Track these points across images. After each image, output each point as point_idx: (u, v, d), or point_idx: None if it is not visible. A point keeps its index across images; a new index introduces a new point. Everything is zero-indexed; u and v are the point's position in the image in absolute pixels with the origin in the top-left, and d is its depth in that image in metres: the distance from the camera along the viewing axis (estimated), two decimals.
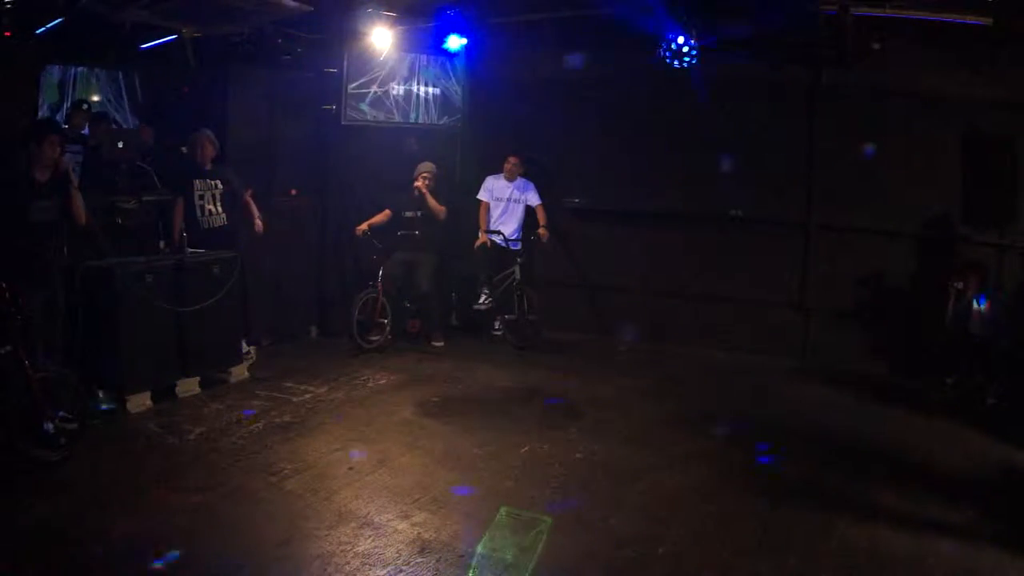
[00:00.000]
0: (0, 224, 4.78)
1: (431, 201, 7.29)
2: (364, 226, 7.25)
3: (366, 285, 7.13)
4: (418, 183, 7.30)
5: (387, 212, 7.37)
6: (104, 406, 5.26)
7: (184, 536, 3.66)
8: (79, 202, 4.99)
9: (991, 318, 6.10)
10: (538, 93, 7.90)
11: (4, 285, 4.29)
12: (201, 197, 6.34)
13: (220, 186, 6.40)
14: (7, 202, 4.80)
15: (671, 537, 3.83)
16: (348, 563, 3.50)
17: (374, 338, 7.14)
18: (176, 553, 3.50)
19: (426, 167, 7.39)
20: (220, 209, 6.42)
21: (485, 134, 8.22)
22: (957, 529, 3.96)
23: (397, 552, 3.61)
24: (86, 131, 7.25)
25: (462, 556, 3.60)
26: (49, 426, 4.35)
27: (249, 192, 6.63)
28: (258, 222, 6.60)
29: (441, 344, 7.48)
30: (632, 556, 3.66)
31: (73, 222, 5.04)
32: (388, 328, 7.23)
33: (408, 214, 7.39)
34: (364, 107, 7.80)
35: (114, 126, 7.95)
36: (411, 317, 7.66)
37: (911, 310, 6.82)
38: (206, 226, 6.36)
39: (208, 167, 6.37)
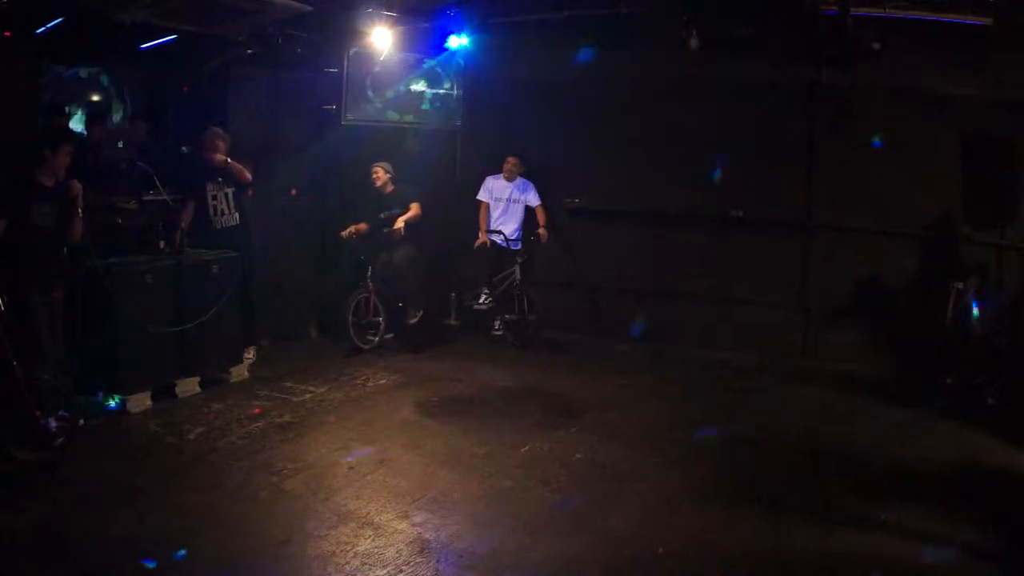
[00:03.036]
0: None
1: (407, 215, 7.25)
2: (351, 229, 7.23)
3: (356, 286, 7.13)
4: (381, 181, 7.36)
5: (364, 226, 7.30)
6: (107, 405, 5.26)
7: (184, 536, 3.66)
8: (79, 224, 4.98)
9: (991, 318, 6.09)
10: (538, 93, 7.90)
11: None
12: (214, 198, 6.35)
13: (231, 185, 6.41)
14: (9, 203, 4.79)
15: (671, 537, 3.83)
16: (348, 563, 3.50)
17: (370, 338, 7.14)
18: (176, 553, 3.51)
19: (378, 164, 7.39)
20: (232, 208, 6.43)
21: (485, 134, 8.22)
22: (956, 532, 3.95)
23: (397, 552, 3.61)
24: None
25: (462, 556, 3.60)
26: (52, 423, 4.36)
27: (248, 193, 6.61)
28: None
29: (416, 319, 7.41)
30: (632, 556, 3.66)
31: (68, 235, 5.02)
32: (383, 327, 7.22)
33: (383, 215, 7.36)
34: (364, 107, 7.79)
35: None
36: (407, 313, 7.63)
37: (911, 310, 6.81)
38: (219, 226, 6.37)
39: (222, 166, 6.35)
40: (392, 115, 7.93)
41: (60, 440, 4.41)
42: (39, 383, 4.39)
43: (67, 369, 4.93)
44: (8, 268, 4.64)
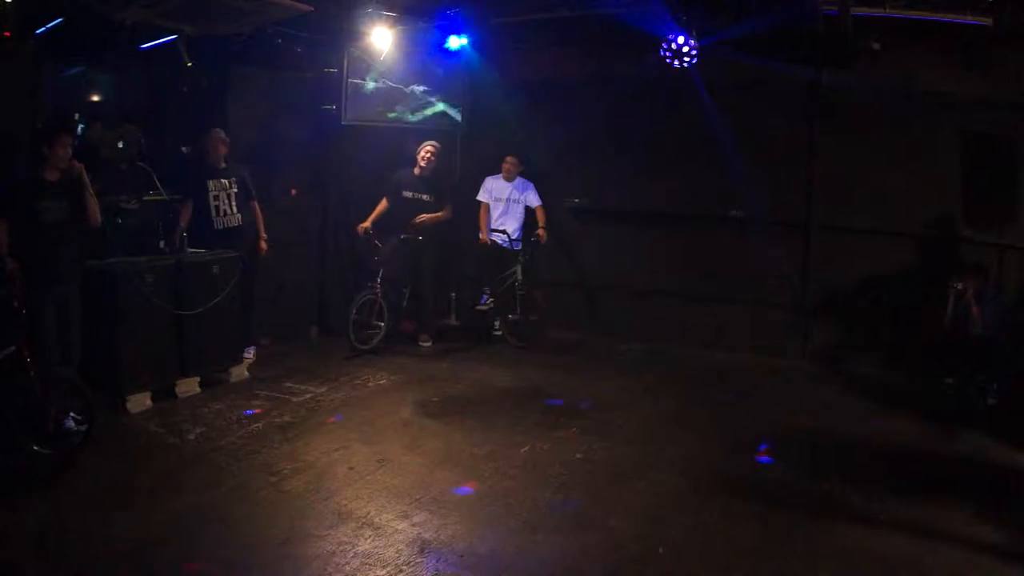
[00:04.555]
0: (11, 224, 4.76)
1: (436, 216, 7.26)
2: (367, 223, 7.16)
3: (364, 286, 7.11)
4: (427, 160, 7.24)
5: (384, 203, 7.29)
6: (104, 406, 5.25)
7: (184, 536, 3.67)
8: (94, 205, 4.97)
9: (991, 318, 6.09)
10: (538, 93, 7.90)
11: (18, 281, 4.31)
12: (216, 197, 6.35)
13: (234, 186, 6.42)
14: (17, 202, 4.78)
15: (671, 537, 3.83)
16: (348, 563, 3.50)
17: (371, 339, 7.13)
18: (176, 553, 3.51)
19: (433, 142, 7.32)
20: (235, 209, 6.43)
21: (485, 134, 8.22)
22: (956, 531, 3.96)
23: (397, 552, 3.62)
24: None
25: (462, 556, 3.60)
26: (70, 423, 4.41)
27: (255, 202, 6.62)
28: (263, 243, 6.64)
29: (429, 344, 7.41)
30: (632, 556, 3.66)
31: (87, 223, 5.01)
32: (384, 329, 7.21)
33: (407, 194, 7.27)
34: (364, 107, 7.79)
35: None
36: (407, 317, 7.63)
37: (911, 310, 6.81)
38: (221, 226, 6.37)
39: (222, 166, 6.39)
40: (392, 115, 7.94)
41: (76, 440, 4.44)
42: (51, 382, 4.40)
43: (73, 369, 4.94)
44: (23, 269, 4.63)
